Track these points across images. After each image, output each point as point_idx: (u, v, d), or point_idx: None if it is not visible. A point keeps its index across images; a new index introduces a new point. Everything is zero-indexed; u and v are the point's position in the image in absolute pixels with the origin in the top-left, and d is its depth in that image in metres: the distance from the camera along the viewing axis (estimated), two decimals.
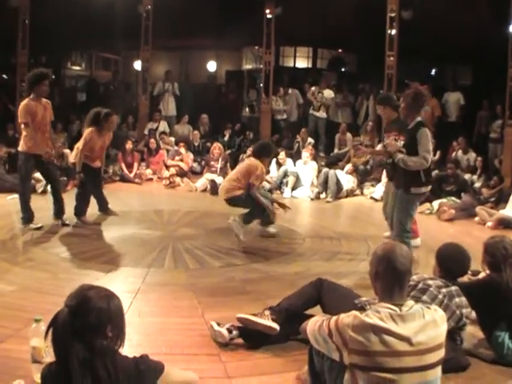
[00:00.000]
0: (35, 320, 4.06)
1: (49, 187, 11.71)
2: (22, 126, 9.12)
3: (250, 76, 22.69)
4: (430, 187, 7.52)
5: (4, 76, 20.15)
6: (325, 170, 13.55)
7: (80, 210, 9.83)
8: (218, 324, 5.19)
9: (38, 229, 9.15)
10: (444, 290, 4.72)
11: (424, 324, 3.39)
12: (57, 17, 16.39)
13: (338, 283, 5.32)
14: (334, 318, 3.52)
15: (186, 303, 6.19)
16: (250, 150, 14.29)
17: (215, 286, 6.85)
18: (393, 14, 16.01)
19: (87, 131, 9.70)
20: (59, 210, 9.61)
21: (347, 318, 3.43)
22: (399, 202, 7.45)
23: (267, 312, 5.03)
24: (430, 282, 4.79)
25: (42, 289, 6.46)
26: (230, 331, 5.11)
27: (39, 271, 7.15)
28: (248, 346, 5.09)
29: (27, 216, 9.31)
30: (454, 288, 4.79)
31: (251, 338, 5.11)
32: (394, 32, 16.06)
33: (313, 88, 17.98)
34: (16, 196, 9.86)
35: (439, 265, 5.11)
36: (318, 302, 5.03)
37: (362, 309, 4.09)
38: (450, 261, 5.05)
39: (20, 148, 9.26)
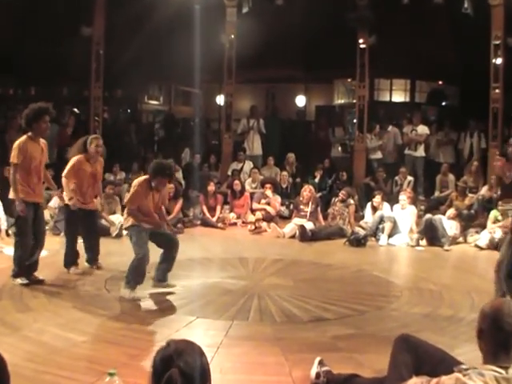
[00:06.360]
0: (109, 374, 4.04)
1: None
2: (11, 167, 8.62)
3: (338, 112, 22.80)
4: None
5: (75, 110, 20.38)
6: (427, 216, 13.35)
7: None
8: (320, 362, 5.44)
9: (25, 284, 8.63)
10: None
11: None
12: (133, 47, 16.69)
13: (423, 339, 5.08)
14: (435, 380, 3.50)
15: (272, 360, 6.18)
16: (342, 194, 14.27)
17: (304, 342, 6.80)
18: (497, 42, 15.89)
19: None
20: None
21: (449, 380, 3.40)
22: None
23: None
24: None
25: (115, 340, 6.54)
26: (318, 376, 5.34)
27: (112, 321, 7.25)
28: None
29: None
30: None
31: None
32: (499, 61, 15.94)
33: (404, 129, 17.98)
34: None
35: None
36: (416, 365, 4.90)
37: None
38: None
39: (13, 195, 8.65)
